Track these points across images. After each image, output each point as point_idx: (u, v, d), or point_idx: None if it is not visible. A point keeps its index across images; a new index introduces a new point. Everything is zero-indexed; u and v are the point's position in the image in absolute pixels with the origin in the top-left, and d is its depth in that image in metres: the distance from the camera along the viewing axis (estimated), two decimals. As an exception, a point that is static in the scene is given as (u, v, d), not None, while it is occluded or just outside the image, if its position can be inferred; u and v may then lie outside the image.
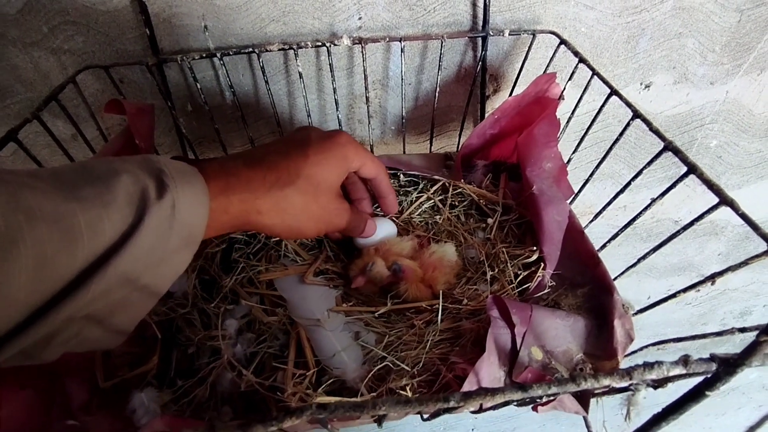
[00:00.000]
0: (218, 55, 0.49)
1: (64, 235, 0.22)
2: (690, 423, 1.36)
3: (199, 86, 0.51)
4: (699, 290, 0.95)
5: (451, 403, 0.20)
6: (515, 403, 0.35)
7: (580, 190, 0.47)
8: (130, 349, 0.39)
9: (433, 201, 0.49)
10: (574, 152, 0.48)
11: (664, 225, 0.79)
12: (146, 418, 0.33)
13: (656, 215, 0.77)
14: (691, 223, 0.34)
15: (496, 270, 0.41)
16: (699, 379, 0.24)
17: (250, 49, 0.49)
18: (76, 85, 0.46)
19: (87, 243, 0.23)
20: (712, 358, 0.21)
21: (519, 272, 0.41)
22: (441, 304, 0.36)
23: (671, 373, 0.22)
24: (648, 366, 0.22)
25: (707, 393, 0.22)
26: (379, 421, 0.24)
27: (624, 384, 0.21)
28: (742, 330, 0.29)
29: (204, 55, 0.49)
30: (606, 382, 0.21)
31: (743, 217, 0.30)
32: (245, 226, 0.33)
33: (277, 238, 0.45)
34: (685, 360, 0.22)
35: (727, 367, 0.21)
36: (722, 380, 0.22)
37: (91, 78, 0.52)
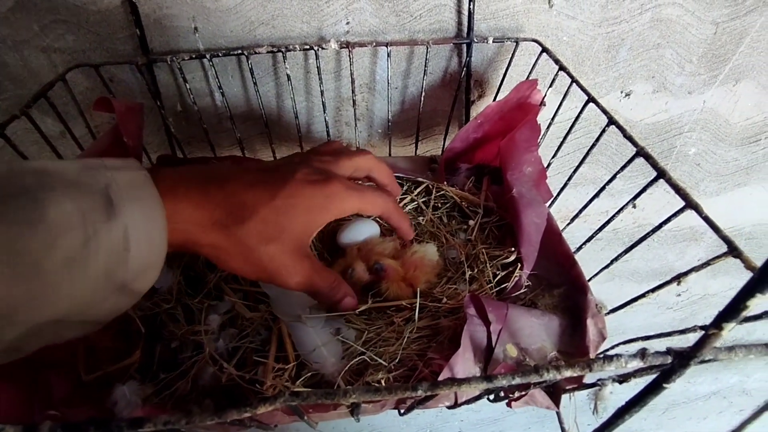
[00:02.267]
0: (208, 56, 0.50)
1: None
2: (673, 427, 1.38)
3: (188, 87, 0.52)
4: (679, 294, 0.96)
5: (419, 392, 0.21)
6: (490, 399, 0.36)
7: (558, 194, 0.48)
8: (113, 343, 0.39)
9: (416, 203, 0.50)
10: (553, 157, 0.49)
11: (645, 231, 0.80)
12: (127, 411, 0.33)
13: (638, 221, 0.79)
14: (660, 226, 0.36)
15: (476, 270, 0.43)
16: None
17: (240, 51, 0.50)
18: (66, 83, 0.47)
19: (6, 262, 0.20)
20: (668, 351, 0.23)
21: (497, 272, 0.42)
22: (419, 301, 0.37)
23: (629, 365, 0.23)
24: (608, 358, 0.23)
25: (664, 385, 0.24)
26: (353, 411, 0.25)
27: (584, 373, 0.23)
28: (704, 327, 0.30)
29: (194, 56, 0.50)
30: (567, 373, 0.22)
31: (706, 220, 0.31)
32: (183, 249, 0.30)
33: None
34: (642, 353, 0.23)
35: (681, 359, 0.22)
36: (677, 372, 0.23)
37: (81, 76, 0.52)
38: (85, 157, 0.40)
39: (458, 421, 1.21)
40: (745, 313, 0.19)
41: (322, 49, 0.51)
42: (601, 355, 0.23)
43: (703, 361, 0.23)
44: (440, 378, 0.31)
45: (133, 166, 0.27)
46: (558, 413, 0.36)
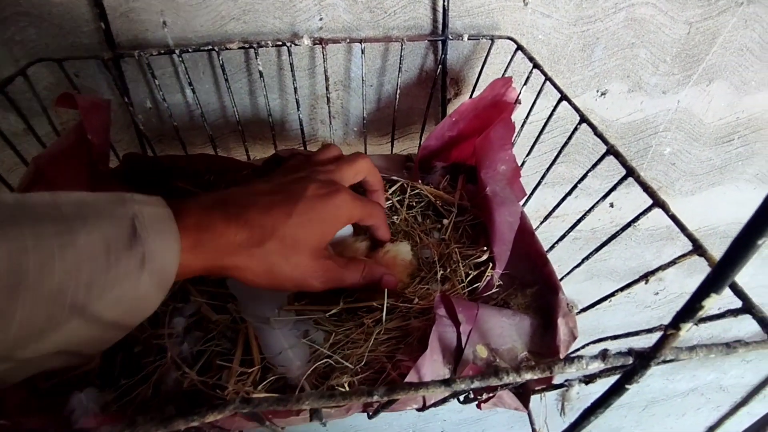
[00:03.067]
0: (177, 51, 0.49)
1: (7, 274, 0.21)
2: (652, 424, 1.40)
3: (157, 83, 0.51)
4: (657, 293, 0.97)
5: (375, 397, 0.21)
6: (460, 400, 0.36)
7: (532, 193, 0.48)
8: (73, 348, 0.38)
9: (391, 201, 0.49)
10: (527, 155, 0.49)
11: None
12: (85, 419, 0.32)
13: (615, 220, 0.79)
14: (629, 224, 0.35)
15: (448, 270, 0.42)
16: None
17: (210, 47, 0.49)
18: (27, 77, 0.45)
19: (32, 284, 0.22)
20: (629, 352, 0.22)
21: (470, 272, 0.41)
22: (386, 302, 0.36)
23: (590, 367, 0.22)
24: (569, 360, 0.22)
25: (627, 386, 0.23)
26: (313, 417, 0.24)
27: (545, 376, 0.22)
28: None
29: (162, 51, 0.49)
30: (528, 376, 0.22)
31: (673, 218, 0.31)
32: (209, 274, 0.32)
33: None
34: (603, 354, 0.22)
35: (642, 360, 0.22)
36: (639, 373, 0.22)
37: (45, 71, 0.51)
38: (48, 155, 0.39)
39: (441, 421, 1.21)
40: (702, 313, 0.18)
41: (295, 45, 0.50)
42: (562, 357, 0.22)
43: (664, 361, 0.23)
44: (407, 380, 0.31)
45: (159, 203, 0.29)
46: (529, 414, 0.36)
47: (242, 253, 0.31)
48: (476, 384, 0.21)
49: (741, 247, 0.16)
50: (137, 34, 0.50)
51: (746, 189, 0.78)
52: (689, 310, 0.18)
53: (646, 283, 0.32)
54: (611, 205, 0.76)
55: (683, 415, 1.39)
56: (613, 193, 0.39)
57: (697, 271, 0.91)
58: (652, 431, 1.45)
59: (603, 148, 0.38)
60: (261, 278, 0.33)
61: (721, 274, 0.17)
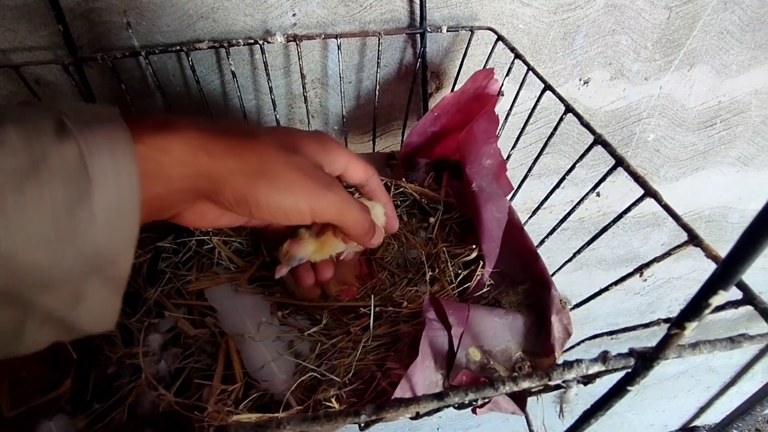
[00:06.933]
0: (143, 53, 0.46)
1: None
2: (644, 407, 1.41)
3: (124, 87, 0.48)
4: (645, 279, 0.98)
5: (362, 417, 0.19)
6: (455, 407, 0.34)
7: (520, 186, 0.47)
8: (42, 373, 0.36)
9: (374, 201, 0.48)
10: (512, 148, 0.47)
11: (609, 218, 0.81)
12: (55, 450, 0.30)
13: (602, 209, 0.79)
14: (620, 216, 0.34)
15: (437, 270, 0.41)
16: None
17: (178, 48, 0.47)
18: (-20, 86, 0.42)
19: None
20: (630, 353, 0.21)
21: (459, 271, 0.40)
22: (373, 308, 0.35)
23: (591, 371, 0.21)
24: (567, 365, 0.21)
25: (628, 388, 0.22)
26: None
27: (544, 384, 0.21)
28: (667, 321, 0.29)
29: (127, 53, 0.46)
30: (525, 384, 0.21)
31: (666, 208, 0.30)
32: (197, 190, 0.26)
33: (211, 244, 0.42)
34: (604, 357, 0.21)
35: (644, 361, 0.21)
36: (641, 375, 0.21)
37: (2, 79, 0.48)
38: None
39: (437, 417, 1.20)
40: (708, 312, 0.17)
41: (268, 43, 0.48)
42: (561, 362, 0.21)
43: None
44: (398, 390, 0.29)
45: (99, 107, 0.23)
46: (526, 416, 0.35)
47: (236, 147, 0.26)
48: (471, 396, 0.20)
49: (750, 242, 0.14)
50: (99, 36, 0.47)
51: (729, 172, 0.79)
52: (695, 308, 0.17)
53: (641, 276, 0.31)
54: (597, 194, 0.76)
55: (674, 397, 1.40)
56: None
57: (684, 256, 0.91)
58: (645, 414, 1.46)
59: (588, 137, 0.37)
60: (256, 177, 0.26)
61: (729, 269, 0.15)
